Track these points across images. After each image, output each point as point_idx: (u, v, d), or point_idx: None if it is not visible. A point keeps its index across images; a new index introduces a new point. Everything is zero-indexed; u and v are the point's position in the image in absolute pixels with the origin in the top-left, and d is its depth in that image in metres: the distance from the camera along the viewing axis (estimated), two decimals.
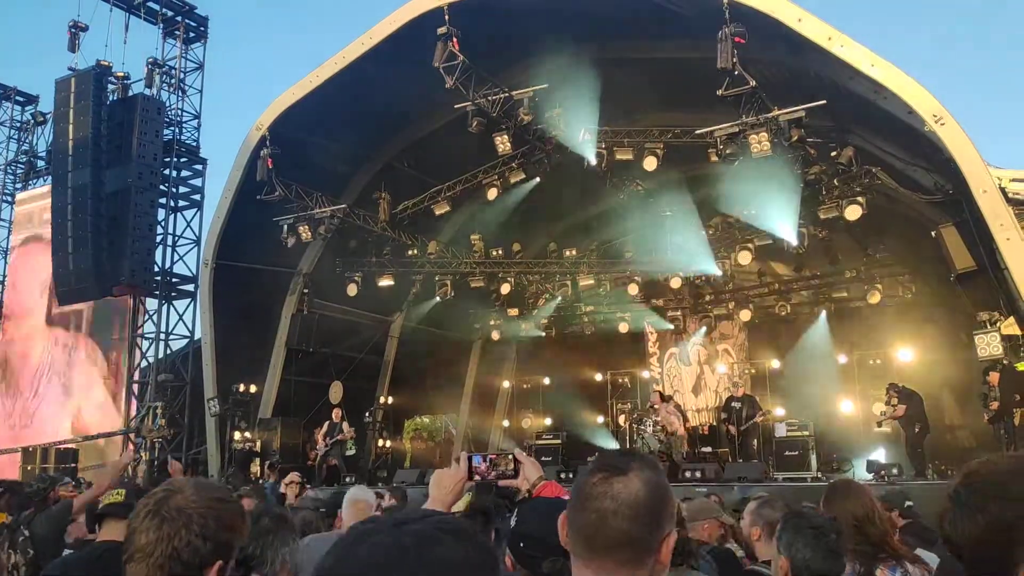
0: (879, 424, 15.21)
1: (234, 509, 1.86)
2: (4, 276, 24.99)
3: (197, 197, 21.55)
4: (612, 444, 20.06)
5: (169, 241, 20.56)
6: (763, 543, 3.75)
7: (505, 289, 20.23)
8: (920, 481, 12.06)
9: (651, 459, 1.56)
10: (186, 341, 20.76)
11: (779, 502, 4.16)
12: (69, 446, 19.44)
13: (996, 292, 13.28)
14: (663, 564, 1.47)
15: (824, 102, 12.87)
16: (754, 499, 4.38)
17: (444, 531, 1.04)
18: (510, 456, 2.37)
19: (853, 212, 14.51)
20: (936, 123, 11.49)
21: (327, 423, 17.01)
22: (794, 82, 13.76)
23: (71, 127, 18.74)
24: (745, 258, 17.25)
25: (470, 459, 2.27)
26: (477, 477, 2.27)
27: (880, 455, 15.50)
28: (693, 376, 21.82)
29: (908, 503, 6.50)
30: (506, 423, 24.00)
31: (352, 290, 18.77)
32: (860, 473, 15.24)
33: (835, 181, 14.97)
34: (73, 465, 18.27)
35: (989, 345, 13.08)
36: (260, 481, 15.34)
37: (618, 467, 1.48)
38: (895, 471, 13.14)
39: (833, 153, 14.75)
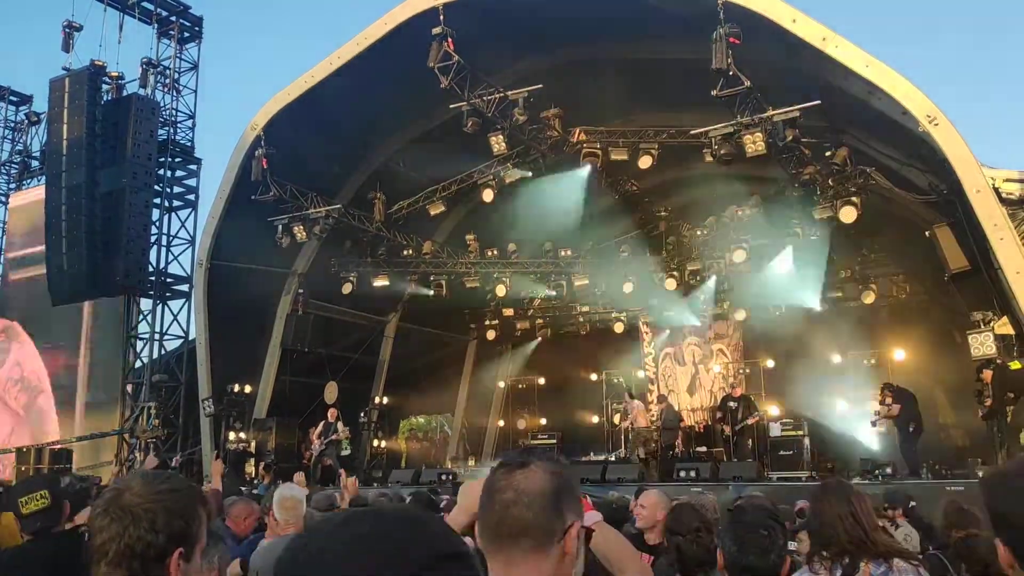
0: (873, 424, 15.25)
1: (185, 497, 1.88)
2: (2, 274, 24.95)
3: (192, 197, 21.53)
4: (604, 444, 20.11)
5: (164, 241, 20.54)
6: None
7: (500, 289, 20.25)
8: (914, 480, 12.09)
9: (552, 455, 1.65)
10: (181, 341, 20.75)
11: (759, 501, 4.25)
12: (65, 447, 19.42)
13: (990, 292, 13.31)
14: (570, 554, 1.53)
15: (819, 102, 12.90)
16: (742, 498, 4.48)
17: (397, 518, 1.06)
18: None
19: (848, 214, 14.55)
20: (930, 123, 11.53)
21: (322, 423, 16.99)
22: (789, 82, 13.78)
23: (65, 127, 18.68)
24: (740, 256, 17.28)
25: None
26: None
27: (874, 455, 15.55)
28: (688, 376, 21.86)
29: (912, 503, 6.57)
30: (501, 423, 24.02)
31: (347, 290, 18.77)
32: (854, 473, 15.31)
33: (830, 181, 15.01)
34: (67, 466, 18.25)
35: (983, 344, 13.12)
36: (255, 482, 15.31)
37: (519, 461, 1.58)
38: (888, 470, 13.18)
39: (828, 153, 14.78)
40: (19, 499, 3.24)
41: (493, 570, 1.51)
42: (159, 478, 1.91)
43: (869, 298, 17.45)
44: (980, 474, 12.01)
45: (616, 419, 20.49)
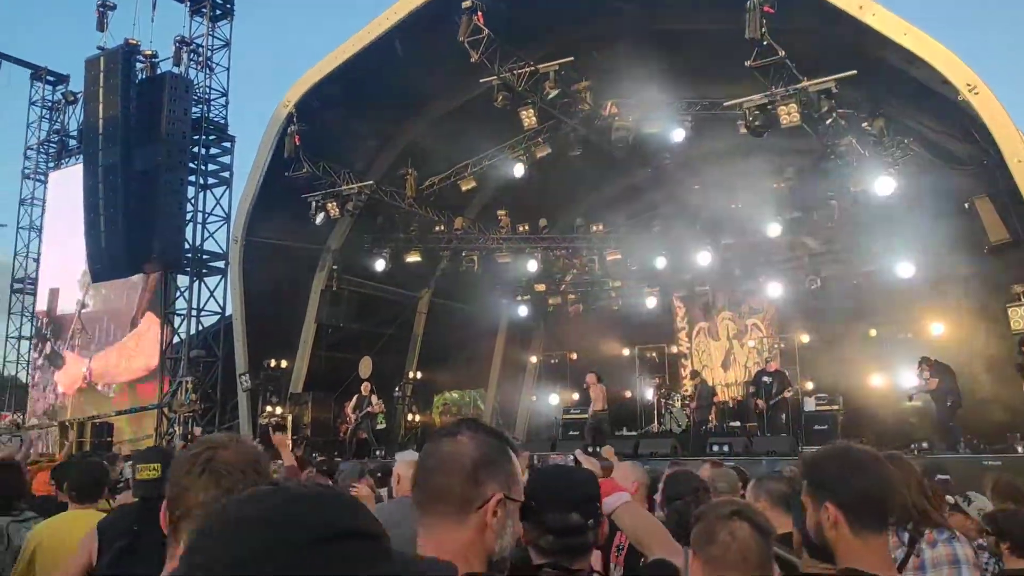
0: (910, 398, 15.06)
1: (267, 464, 1.96)
2: (39, 254, 25.44)
3: (226, 175, 21.71)
4: (637, 419, 20.11)
5: (199, 219, 20.74)
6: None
7: (532, 265, 20.24)
8: (952, 455, 11.96)
9: (486, 426, 1.68)
10: (217, 317, 21.03)
11: (783, 477, 4.21)
12: (105, 420, 19.84)
13: None
14: (491, 526, 1.55)
15: (855, 72, 12.65)
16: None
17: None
18: (571, 457, 2.48)
19: (885, 185, 14.31)
20: (970, 92, 11.29)
21: (356, 397, 17.20)
22: (824, 52, 13.54)
23: (101, 106, 18.91)
24: (774, 231, 17.10)
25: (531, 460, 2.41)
26: None
27: (910, 429, 15.39)
28: (722, 351, 21.73)
29: (940, 476, 6.49)
30: (534, 398, 24.08)
31: (380, 266, 18.89)
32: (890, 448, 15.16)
33: (866, 152, 14.75)
34: (109, 439, 18.65)
35: (1023, 318, 12.90)
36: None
37: (450, 431, 1.63)
38: (925, 445, 13.04)
39: (864, 124, 14.51)
40: (136, 464, 3.57)
41: (419, 535, 1.57)
42: (243, 442, 1.95)
43: (907, 271, 17.17)
44: (1020, 450, 11.87)
45: (648, 394, 20.50)
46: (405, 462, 4.59)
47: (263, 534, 0.85)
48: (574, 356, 23.53)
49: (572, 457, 2.48)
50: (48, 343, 24.04)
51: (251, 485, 1.78)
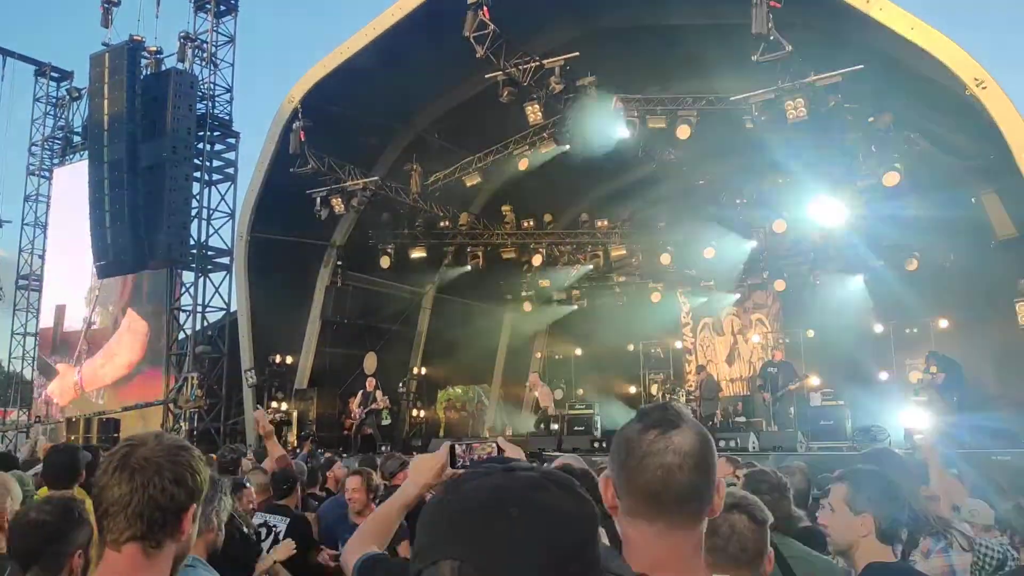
0: (916, 393, 15.03)
1: (195, 455, 1.91)
2: (44, 250, 25.46)
3: (231, 170, 21.71)
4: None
5: (204, 214, 20.75)
6: None
7: (537, 260, 20.23)
8: (959, 450, 11.92)
9: (689, 411, 1.57)
10: (222, 313, 21.05)
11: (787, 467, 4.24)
12: (112, 416, 19.87)
13: None
14: (714, 513, 1.49)
15: (862, 67, 12.61)
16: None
17: (550, 479, 1.07)
18: (493, 444, 2.39)
19: (891, 179, 14.26)
20: (977, 87, 11.25)
21: (361, 393, 17.21)
22: (831, 47, 13.49)
23: (106, 102, 18.92)
24: (780, 227, 17.07)
25: (452, 447, 2.30)
26: (459, 464, 2.30)
27: (916, 425, 15.35)
28: (727, 346, 21.72)
29: (952, 471, 6.48)
30: (537, 393, 24.07)
31: (385, 262, 18.89)
32: (896, 443, 15.13)
33: (872, 147, 14.71)
34: (115, 435, 18.67)
35: None
36: (296, 452, 15.57)
37: (671, 421, 1.47)
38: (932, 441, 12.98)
39: (871, 119, 14.47)
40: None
41: (639, 534, 1.45)
42: (167, 437, 1.92)
43: (912, 266, 17.14)
44: None
45: (653, 389, 20.49)
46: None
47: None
48: (579, 351, 23.54)
49: (494, 443, 2.41)
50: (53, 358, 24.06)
51: (168, 479, 1.79)
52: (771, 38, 11.94)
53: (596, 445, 14.74)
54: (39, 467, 6.33)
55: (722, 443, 13.51)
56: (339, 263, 18.82)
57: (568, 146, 17.50)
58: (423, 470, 2.27)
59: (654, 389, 20.31)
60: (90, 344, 22.87)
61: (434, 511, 1.07)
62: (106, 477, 1.80)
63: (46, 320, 24.76)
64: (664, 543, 1.43)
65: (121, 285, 21.91)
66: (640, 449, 1.45)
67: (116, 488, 1.77)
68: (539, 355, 24.50)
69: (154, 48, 20.39)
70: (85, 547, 2.76)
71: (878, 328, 18.32)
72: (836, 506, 2.66)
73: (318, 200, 17.15)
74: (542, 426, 18.23)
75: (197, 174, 20.42)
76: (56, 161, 25.61)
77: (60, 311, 24.08)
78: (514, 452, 2.40)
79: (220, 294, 20.99)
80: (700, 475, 1.44)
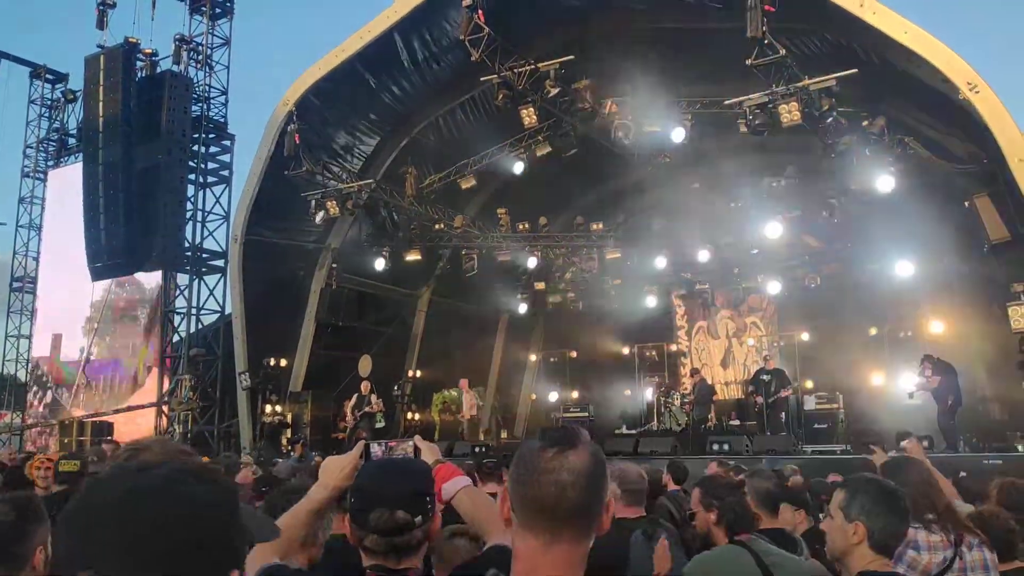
0: (911, 395, 15.06)
1: (198, 461, 1.91)
2: (38, 252, 25.40)
3: (226, 173, 21.67)
4: (637, 418, 20.12)
5: (199, 217, 20.71)
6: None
7: (532, 263, 20.24)
8: (952, 454, 11.95)
9: (586, 433, 1.62)
10: (217, 316, 21.00)
11: (770, 474, 4.27)
12: (105, 419, 19.81)
13: None
14: (602, 530, 1.55)
15: (855, 71, 12.65)
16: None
17: (186, 472, 1.10)
18: (410, 443, 2.36)
19: (885, 183, 14.29)
20: (971, 91, 11.28)
21: (355, 396, 17.19)
22: (825, 51, 13.55)
23: (101, 104, 18.90)
24: (774, 230, 17.09)
25: (367, 446, 2.27)
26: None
27: (911, 428, 15.37)
28: (722, 349, 21.75)
29: (962, 473, 6.51)
30: (533, 396, 24.09)
31: (380, 264, 18.88)
32: (890, 446, 15.14)
33: (866, 151, 14.73)
34: (109, 438, 18.61)
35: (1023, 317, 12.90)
36: (289, 453, 15.55)
37: (569, 441, 1.54)
38: (925, 444, 13.00)
39: (865, 123, 14.50)
40: (60, 460, 3.88)
41: (527, 547, 1.51)
42: (173, 442, 1.93)
43: (906, 269, 17.19)
44: (1020, 448, 11.88)
45: (648, 393, 20.50)
46: None
47: None
48: (574, 354, 23.55)
49: (410, 443, 2.38)
50: (49, 391, 23.59)
51: None
52: (765, 42, 11.98)
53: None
54: None
55: (715, 447, 13.53)
56: (334, 265, 18.79)
57: (563, 149, 17.52)
58: (333, 470, 2.23)
59: (649, 392, 20.33)
60: (88, 378, 22.55)
61: (67, 520, 1.05)
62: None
63: (41, 345, 24.46)
64: (551, 556, 1.49)
65: (143, 340, 21.48)
66: (537, 466, 1.52)
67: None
68: (534, 357, 24.50)
69: (149, 50, 20.37)
70: (45, 542, 2.78)
71: (872, 331, 18.37)
72: (833, 512, 2.72)
73: (313, 203, 17.12)
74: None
75: (192, 176, 20.40)
76: (51, 163, 25.53)
77: (57, 339, 23.84)
78: (429, 451, 2.39)
79: (215, 296, 20.98)
80: (591, 494, 1.51)
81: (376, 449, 2.28)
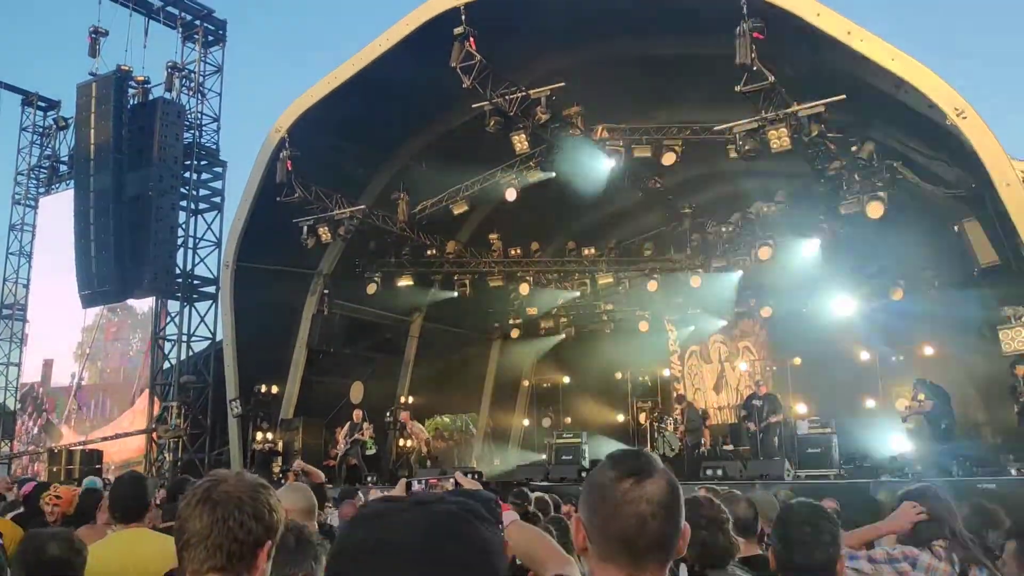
0: (904, 420, 15.06)
1: (273, 495, 1.99)
2: (28, 280, 25.31)
3: (217, 199, 21.66)
4: (630, 443, 20.05)
5: (190, 243, 20.68)
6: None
7: (524, 288, 20.24)
8: (945, 478, 11.93)
9: (657, 458, 1.60)
10: (208, 343, 20.91)
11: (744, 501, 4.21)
12: (94, 447, 19.64)
13: (1020, 286, 13.12)
14: (679, 553, 1.54)
15: (844, 97, 12.75)
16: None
17: (468, 511, 1.09)
18: (451, 479, 2.36)
19: (875, 209, 14.35)
20: (958, 116, 11.38)
21: (348, 423, 17.11)
22: (813, 77, 13.65)
23: (92, 131, 18.91)
24: (765, 253, 17.15)
25: (409, 484, 2.27)
26: None
27: (903, 452, 15.37)
28: (714, 374, 21.74)
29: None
30: (526, 422, 24.02)
31: (372, 290, 18.85)
32: (883, 469, 15.12)
33: (856, 176, 14.83)
34: (98, 466, 18.45)
35: (1014, 340, 12.94)
36: (281, 482, 15.42)
37: (645, 470, 1.52)
38: (919, 468, 13.00)
39: (854, 148, 14.61)
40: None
41: None
42: (248, 475, 2.00)
43: (897, 294, 17.25)
44: (1013, 472, 11.85)
45: (642, 418, 20.45)
46: None
47: None
48: (566, 379, 23.51)
49: (452, 479, 2.37)
50: (43, 415, 23.43)
51: (247, 514, 1.87)
52: (754, 68, 12.08)
53: (584, 475, 14.67)
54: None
55: (709, 471, 13.50)
56: (326, 291, 18.76)
57: (554, 175, 17.58)
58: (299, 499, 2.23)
59: (642, 418, 20.28)
60: (80, 404, 22.41)
61: (356, 549, 1.05)
62: (188, 510, 1.89)
63: (32, 372, 24.35)
64: None
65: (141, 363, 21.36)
66: (614, 497, 1.50)
67: (197, 520, 1.86)
68: (527, 383, 24.44)
69: (141, 78, 20.41)
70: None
71: (864, 355, 18.40)
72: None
73: (305, 229, 17.12)
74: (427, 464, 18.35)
75: (184, 203, 20.39)
76: (42, 190, 25.51)
77: (48, 365, 23.73)
78: (471, 488, 2.38)
79: (206, 323, 20.91)
80: (671, 524, 1.49)
81: (417, 487, 2.28)
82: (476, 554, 1.04)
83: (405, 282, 19.16)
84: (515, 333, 22.80)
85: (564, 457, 16.98)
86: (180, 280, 20.22)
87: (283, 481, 14.83)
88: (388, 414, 20.00)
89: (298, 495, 3.62)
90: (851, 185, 14.92)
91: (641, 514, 1.47)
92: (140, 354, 21.11)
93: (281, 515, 1.96)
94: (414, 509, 1.06)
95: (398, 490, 2.25)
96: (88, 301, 19.89)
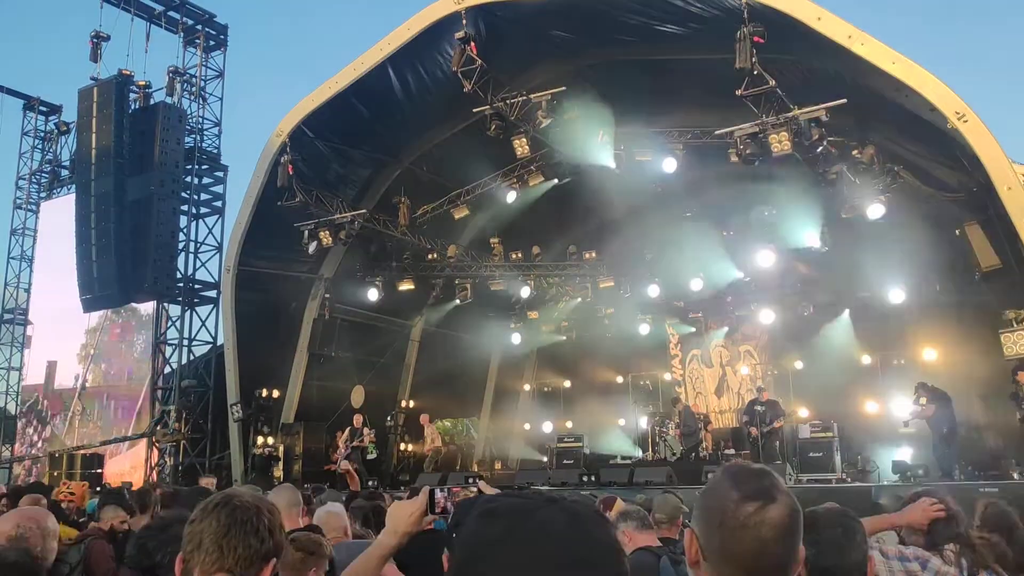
0: (906, 424, 15.04)
1: (278, 517, 2.02)
2: (29, 285, 25.30)
3: (218, 204, 21.69)
4: (632, 448, 20.03)
5: (191, 248, 20.71)
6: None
7: (525, 292, 20.23)
8: (948, 482, 11.91)
9: (781, 480, 1.57)
10: (209, 347, 20.91)
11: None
12: (95, 451, 19.64)
13: (1022, 290, 13.11)
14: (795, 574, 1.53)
15: (844, 100, 12.74)
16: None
17: (596, 511, 1.11)
18: (474, 488, 2.35)
19: (875, 212, 14.37)
20: (959, 120, 11.38)
21: (348, 428, 17.09)
22: (814, 80, 13.66)
23: (94, 136, 18.93)
24: (766, 258, 17.14)
25: (432, 492, 2.25)
26: (439, 510, 2.23)
27: (906, 456, 15.36)
28: (716, 378, 21.71)
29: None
30: (527, 426, 23.96)
31: (373, 295, 18.85)
32: (885, 474, 15.12)
33: (856, 180, 14.83)
34: (99, 471, 18.45)
35: (1016, 344, 12.94)
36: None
37: (769, 495, 1.49)
38: (921, 472, 12.98)
39: (855, 152, 14.60)
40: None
41: None
42: (261, 495, 2.07)
43: (898, 297, 17.24)
44: (1016, 476, 11.85)
45: (643, 422, 20.42)
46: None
47: None
48: (568, 383, 23.48)
49: (476, 488, 2.36)
50: (48, 427, 23.16)
51: (264, 524, 1.91)
52: (755, 72, 12.08)
53: (584, 479, 14.65)
54: None
55: (710, 475, 13.43)
56: (327, 296, 18.76)
57: (555, 179, 17.59)
58: (402, 517, 2.21)
59: (643, 422, 20.25)
60: (84, 406, 22.35)
61: (499, 540, 1.03)
62: (204, 514, 1.92)
63: (35, 373, 24.27)
64: None
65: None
66: (737, 520, 1.47)
67: (214, 520, 1.90)
68: (528, 387, 24.41)
69: (143, 82, 20.43)
70: None
71: (866, 359, 18.37)
72: None
73: (306, 233, 17.11)
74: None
75: (185, 207, 20.41)
76: (43, 195, 25.51)
77: (51, 367, 23.69)
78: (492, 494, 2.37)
79: (207, 327, 20.92)
80: (791, 550, 1.48)
81: (439, 496, 2.26)
82: (611, 552, 1.05)
83: (406, 286, 19.16)
84: (516, 337, 22.78)
85: (565, 461, 16.98)
86: (181, 284, 20.23)
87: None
88: (389, 418, 20.02)
89: (285, 492, 3.70)
90: (852, 188, 14.93)
91: (763, 539, 1.45)
92: (145, 355, 21.08)
93: (283, 540, 2.00)
94: (548, 506, 1.06)
95: (421, 498, 2.24)
96: (89, 305, 19.89)
